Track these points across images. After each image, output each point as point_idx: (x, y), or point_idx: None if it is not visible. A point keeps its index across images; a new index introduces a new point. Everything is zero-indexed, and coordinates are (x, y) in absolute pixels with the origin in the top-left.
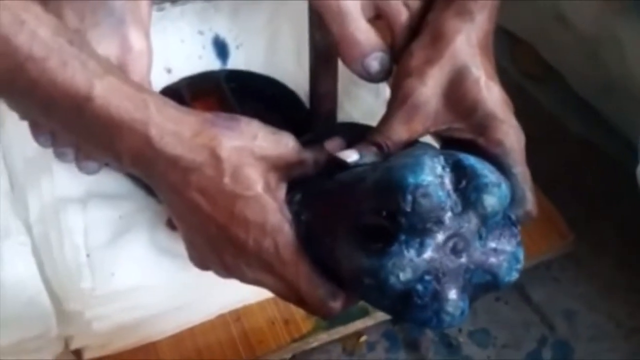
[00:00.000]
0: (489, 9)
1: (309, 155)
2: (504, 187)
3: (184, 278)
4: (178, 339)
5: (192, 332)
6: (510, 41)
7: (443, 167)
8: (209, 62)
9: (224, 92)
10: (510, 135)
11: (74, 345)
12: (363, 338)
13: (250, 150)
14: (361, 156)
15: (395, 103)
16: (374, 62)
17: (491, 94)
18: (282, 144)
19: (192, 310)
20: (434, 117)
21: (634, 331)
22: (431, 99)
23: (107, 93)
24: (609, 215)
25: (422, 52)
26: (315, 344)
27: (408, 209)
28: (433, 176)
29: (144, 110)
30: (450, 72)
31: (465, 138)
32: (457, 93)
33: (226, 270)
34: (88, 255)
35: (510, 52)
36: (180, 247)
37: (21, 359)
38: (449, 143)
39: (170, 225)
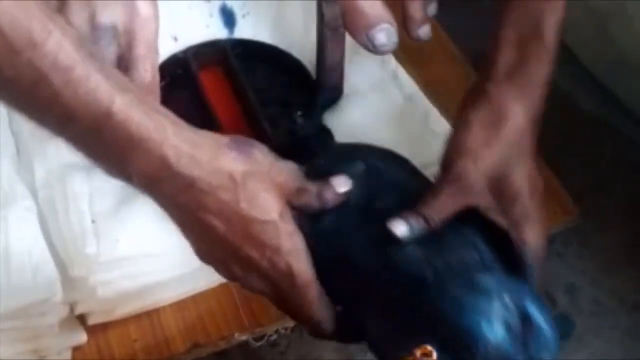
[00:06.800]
0: (547, 77)
1: (312, 186)
2: (558, 340)
3: (188, 246)
4: (181, 306)
5: (195, 299)
6: None
7: (511, 314)
8: (216, 31)
9: (231, 61)
10: (537, 239)
11: (78, 311)
12: None
13: (264, 176)
14: (410, 229)
15: (447, 180)
16: (380, 34)
17: (529, 184)
18: (286, 170)
19: (195, 278)
20: (480, 196)
21: (636, 307)
22: (481, 180)
23: (127, 109)
24: (617, 191)
25: (480, 132)
26: None
27: None
28: (505, 329)
29: (161, 131)
30: (502, 158)
31: (499, 223)
32: (503, 182)
33: (232, 279)
34: (93, 221)
35: None
36: None
37: (26, 323)
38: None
39: None
